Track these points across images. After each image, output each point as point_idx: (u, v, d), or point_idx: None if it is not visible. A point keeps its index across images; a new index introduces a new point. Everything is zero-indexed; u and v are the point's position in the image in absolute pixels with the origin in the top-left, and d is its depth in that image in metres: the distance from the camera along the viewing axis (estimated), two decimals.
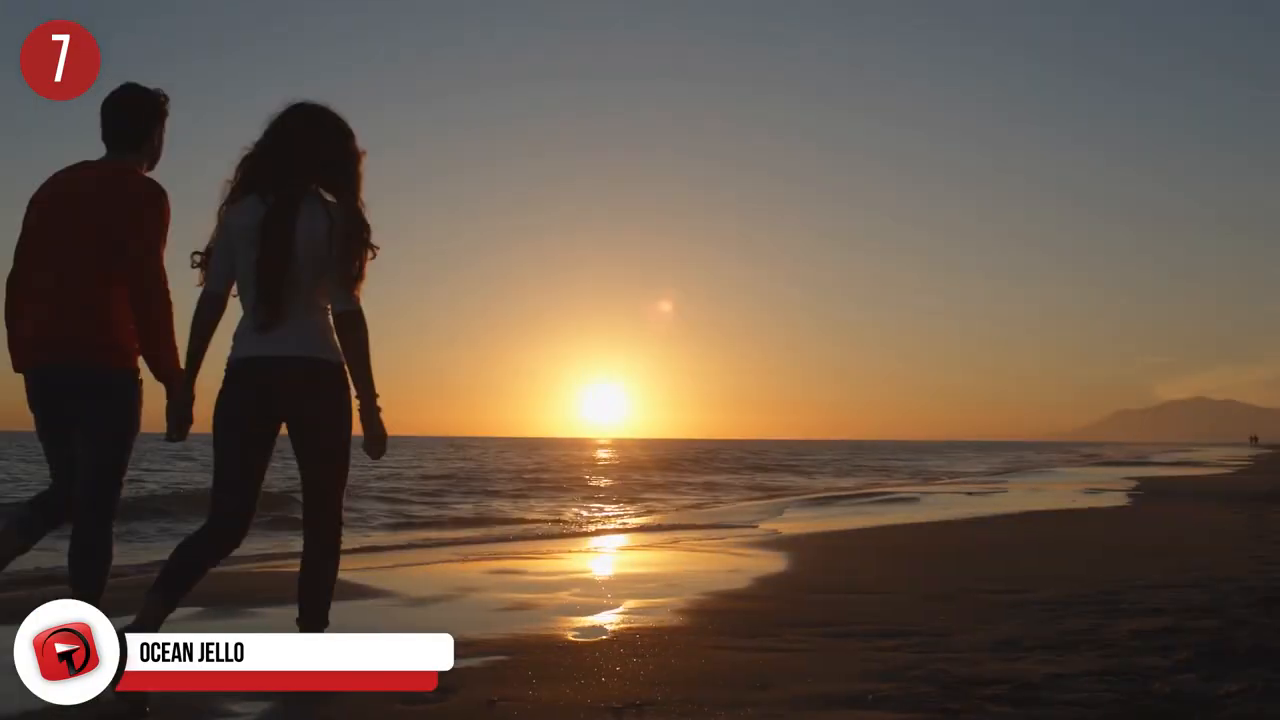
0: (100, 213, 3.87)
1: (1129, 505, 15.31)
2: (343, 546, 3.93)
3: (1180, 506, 14.48)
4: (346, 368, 3.73)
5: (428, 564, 8.32)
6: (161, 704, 3.54)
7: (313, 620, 3.81)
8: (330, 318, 3.75)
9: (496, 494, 21.72)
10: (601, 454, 62.57)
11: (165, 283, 3.90)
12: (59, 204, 3.97)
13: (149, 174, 4.06)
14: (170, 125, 4.16)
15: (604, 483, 26.79)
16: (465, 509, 17.30)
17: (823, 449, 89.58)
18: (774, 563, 7.95)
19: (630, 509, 18.09)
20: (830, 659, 4.22)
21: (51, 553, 10.40)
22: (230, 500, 3.70)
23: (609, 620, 5.30)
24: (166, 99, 4.13)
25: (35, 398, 3.97)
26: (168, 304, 3.92)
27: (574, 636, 4.82)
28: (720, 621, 5.17)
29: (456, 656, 4.31)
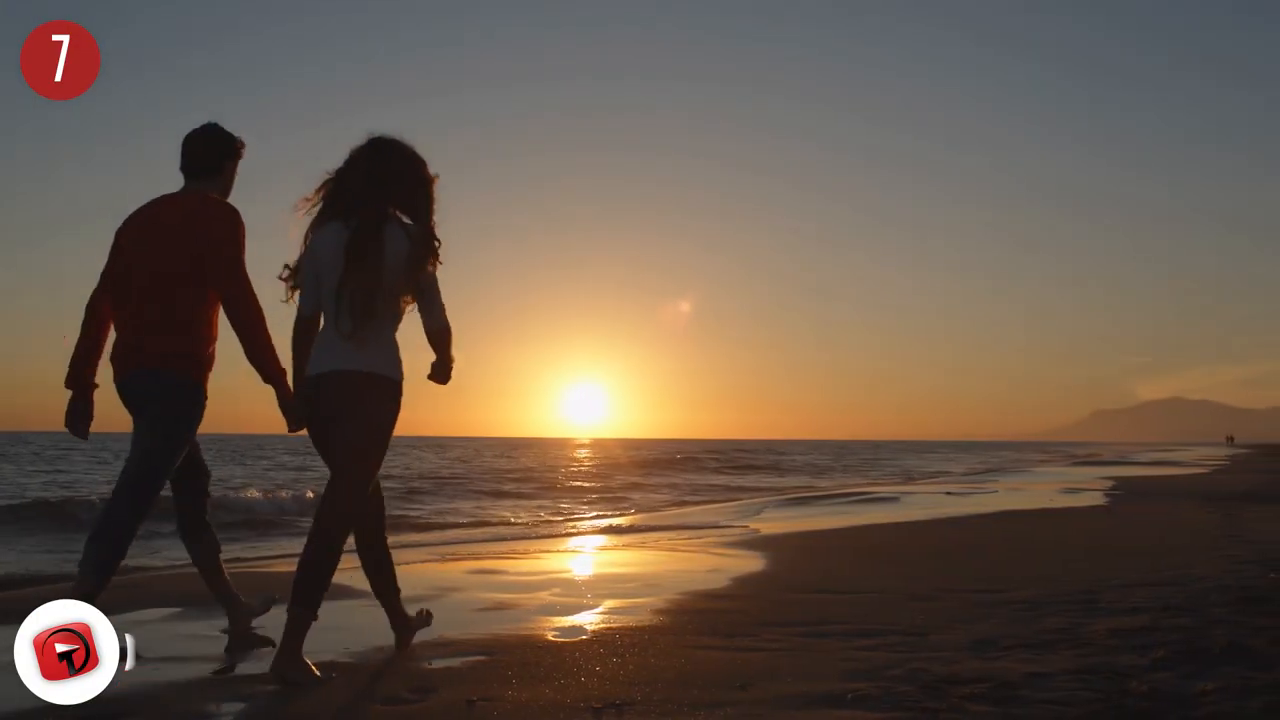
0: (184, 237, 4.28)
1: (1107, 505, 15.37)
2: (330, 546, 3.97)
3: (1157, 506, 14.56)
4: (402, 382, 4.13)
5: (408, 564, 8.29)
6: (142, 703, 3.53)
7: (293, 596, 3.91)
8: (394, 335, 4.15)
9: (477, 494, 21.68)
10: (582, 454, 62.54)
11: (253, 293, 4.31)
12: (146, 232, 4.37)
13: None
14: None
15: (584, 483, 26.77)
16: (446, 509, 17.27)
17: (803, 449, 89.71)
18: (753, 562, 7.95)
19: (610, 509, 18.08)
20: (809, 658, 4.22)
21: (47, 556, 10.37)
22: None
23: (589, 620, 5.30)
24: (243, 144, 4.62)
25: (125, 406, 4.35)
26: (259, 312, 4.31)
27: (554, 636, 4.82)
28: (700, 621, 5.17)
29: (437, 656, 4.32)
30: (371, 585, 4.54)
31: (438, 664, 4.22)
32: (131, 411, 4.32)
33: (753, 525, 12.55)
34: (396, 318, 4.15)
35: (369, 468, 4.08)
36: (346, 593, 6.30)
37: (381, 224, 4.07)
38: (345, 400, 4.03)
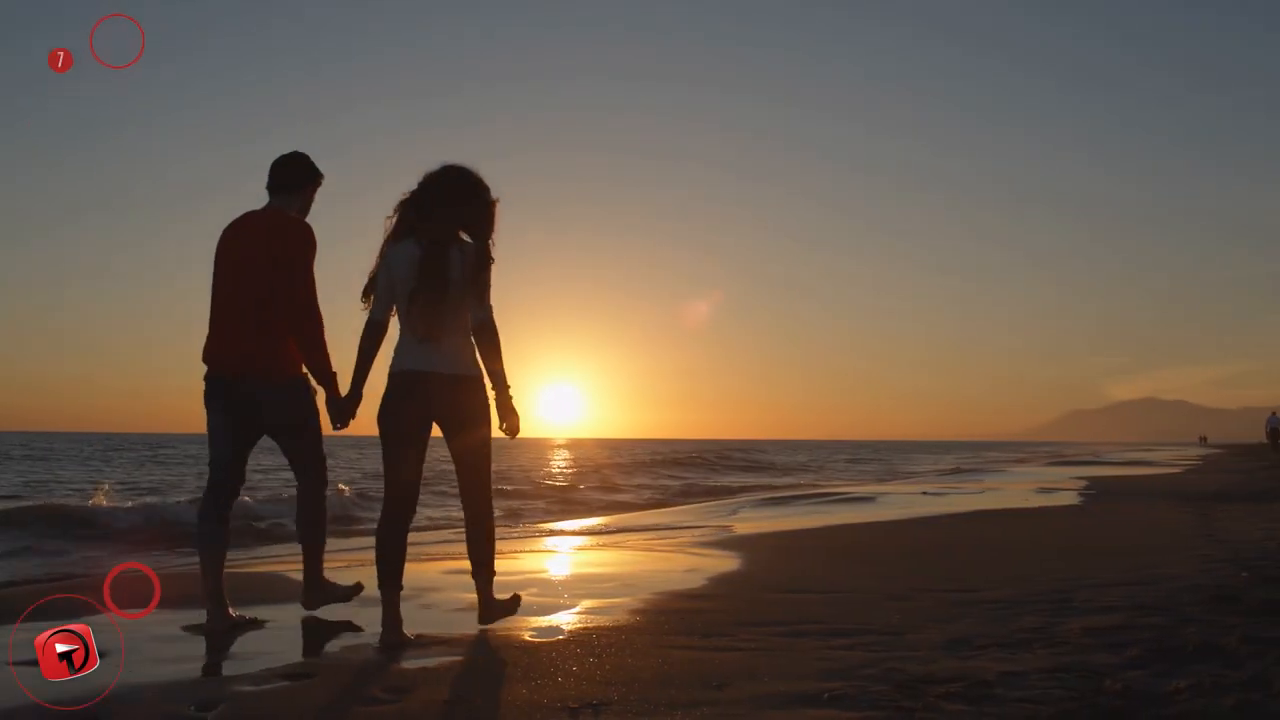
0: (266, 248, 4.93)
1: (1080, 504, 15.46)
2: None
3: (1131, 506, 14.64)
4: (483, 376, 4.77)
5: None
6: (123, 703, 3.52)
7: (479, 568, 4.95)
8: (470, 336, 4.76)
9: (454, 494, 21.61)
10: (559, 453, 62.48)
11: (316, 302, 4.99)
12: (236, 243, 5.05)
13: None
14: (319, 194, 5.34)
15: (561, 482, 26.73)
16: (423, 509, 17.21)
17: (781, 449, 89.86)
18: (729, 562, 7.96)
19: (586, 508, 18.07)
20: (785, 658, 4.23)
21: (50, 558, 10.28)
22: (397, 482, 4.79)
23: (565, 620, 5.29)
24: (322, 176, 5.30)
25: (214, 399, 5.03)
26: (319, 320, 4.99)
27: (530, 636, 4.81)
28: (676, 621, 5.17)
29: (413, 656, 4.31)
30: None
31: (413, 664, 4.21)
32: (231, 418, 5.06)
33: (729, 525, 12.57)
34: (463, 325, 4.75)
35: (487, 458, 4.90)
36: None
37: (448, 242, 4.69)
38: (434, 399, 4.70)
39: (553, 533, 12.58)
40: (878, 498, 18.83)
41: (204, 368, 5.06)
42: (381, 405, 4.73)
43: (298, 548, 5.33)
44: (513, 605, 5.13)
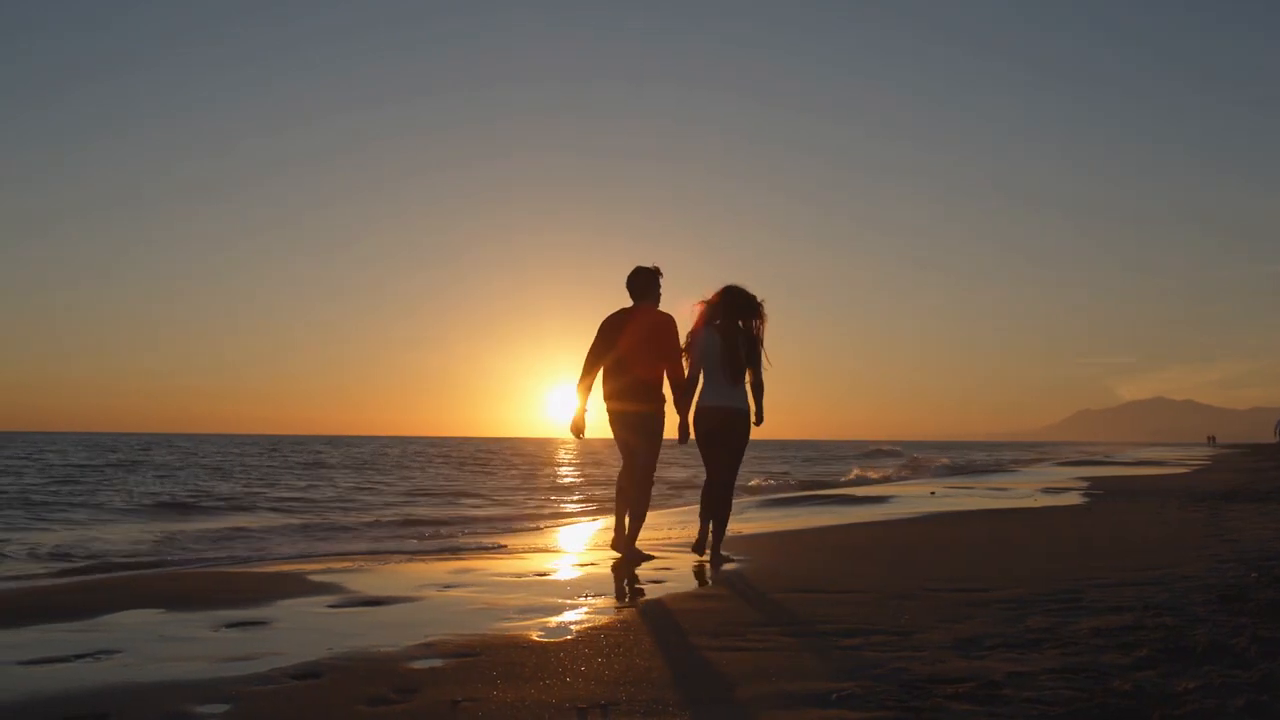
0: (649, 331, 7.79)
1: (1089, 504, 15.42)
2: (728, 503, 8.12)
3: (1140, 505, 14.60)
4: (750, 409, 7.93)
5: (392, 564, 8.28)
6: (128, 703, 3.52)
7: (718, 523, 8.06)
8: (746, 385, 7.92)
9: (463, 494, 21.62)
10: (565, 454, 62.51)
11: (683, 365, 7.93)
12: (624, 327, 7.83)
13: (660, 307, 8.08)
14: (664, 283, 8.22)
15: (566, 481, 26.72)
16: (429, 509, 17.22)
17: (785, 448, 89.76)
18: (736, 562, 7.95)
19: (594, 507, 18.05)
20: (793, 658, 4.23)
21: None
22: (711, 471, 7.98)
23: (573, 620, 5.29)
24: (658, 269, 8.11)
25: (616, 428, 7.94)
26: (684, 374, 7.91)
27: (538, 636, 4.81)
28: (684, 621, 5.17)
29: (421, 657, 4.31)
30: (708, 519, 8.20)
31: (421, 664, 4.22)
32: (624, 433, 7.88)
33: (735, 526, 12.54)
34: (745, 378, 7.87)
35: (740, 464, 8.03)
36: (325, 589, 6.29)
37: (738, 331, 7.87)
38: (728, 424, 7.82)
39: (558, 529, 12.55)
40: (886, 497, 18.78)
41: None
42: (697, 428, 7.85)
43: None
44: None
